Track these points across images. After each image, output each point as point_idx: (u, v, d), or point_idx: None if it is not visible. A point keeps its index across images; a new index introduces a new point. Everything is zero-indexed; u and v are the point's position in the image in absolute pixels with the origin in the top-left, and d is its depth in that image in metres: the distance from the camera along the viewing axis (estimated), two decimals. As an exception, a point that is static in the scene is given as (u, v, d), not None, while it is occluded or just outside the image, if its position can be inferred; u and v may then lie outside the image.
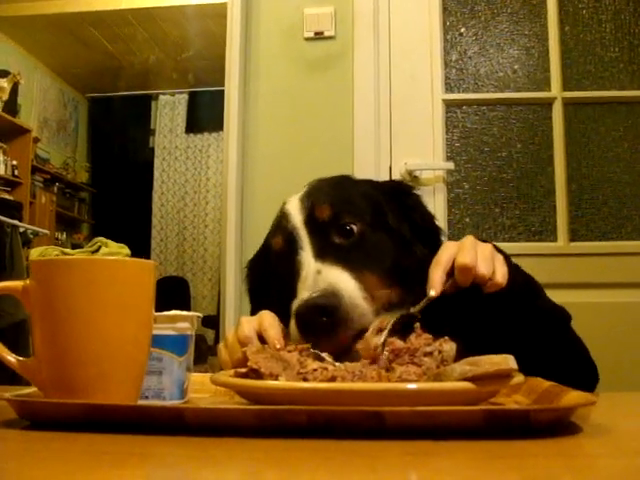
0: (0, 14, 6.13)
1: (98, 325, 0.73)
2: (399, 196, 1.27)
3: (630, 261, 2.49)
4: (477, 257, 1.02)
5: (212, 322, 6.03)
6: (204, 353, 5.04)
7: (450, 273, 1.02)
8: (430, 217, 1.28)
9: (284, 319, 1.09)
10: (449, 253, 1.03)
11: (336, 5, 2.71)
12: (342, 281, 1.07)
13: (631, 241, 2.54)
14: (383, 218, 1.21)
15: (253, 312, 1.27)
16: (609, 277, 2.48)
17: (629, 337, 2.40)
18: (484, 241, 1.10)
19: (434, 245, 1.19)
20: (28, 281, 0.76)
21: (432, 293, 1.00)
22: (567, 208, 2.57)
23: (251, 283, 1.33)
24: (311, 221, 1.17)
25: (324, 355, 0.88)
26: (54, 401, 0.74)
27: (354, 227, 1.16)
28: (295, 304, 1.06)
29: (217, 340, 3.68)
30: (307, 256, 1.13)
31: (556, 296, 2.40)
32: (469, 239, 1.06)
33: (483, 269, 1.01)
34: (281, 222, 1.22)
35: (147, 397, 0.86)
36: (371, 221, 1.19)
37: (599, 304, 2.42)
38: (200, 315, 0.95)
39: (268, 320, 1.04)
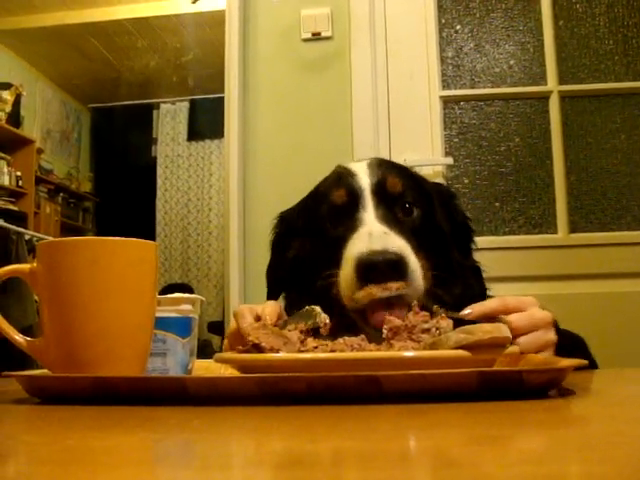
0: (1, 27, 6.19)
1: (102, 303, 0.76)
2: (445, 197, 1.27)
3: (630, 251, 2.51)
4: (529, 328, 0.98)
5: (217, 328, 6.05)
6: (210, 357, 5.04)
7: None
8: (467, 221, 1.28)
9: (303, 274, 1.14)
10: (515, 305, 1.00)
11: (332, 5, 2.74)
12: (410, 253, 1.05)
13: (630, 231, 2.56)
14: (433, 213, 1.21)
15: (270, 266, 1.28)
16: (609, 267, 2.50)
17: (629, 327, 2.41)
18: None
19: (466, 249, 1.22)
20: (35, 263, 0.79)
21: (468, 312, 0.97)
22: (566, 200, 2.58)
23: (278, 235, 1.29)
24: (379, 188, 1.15)
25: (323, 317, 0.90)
26: (60, 376, 0.76)
27: (415, 210, 1.16)
28: (360, 249, 1.03)
29: (223, 347, 3.68)
30: (369, 216, 1.10)
31: (557, 288, 2.45)
32: (538, 312, 1.02)
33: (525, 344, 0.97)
34: (345, 178, 1.18)
35: (152, 378, 0.88)
36: (426, 211, 1.19)
37: (600, 294, 2.44)
38: (203, 299, 0.97)
39: (270, 306, 1.04)
